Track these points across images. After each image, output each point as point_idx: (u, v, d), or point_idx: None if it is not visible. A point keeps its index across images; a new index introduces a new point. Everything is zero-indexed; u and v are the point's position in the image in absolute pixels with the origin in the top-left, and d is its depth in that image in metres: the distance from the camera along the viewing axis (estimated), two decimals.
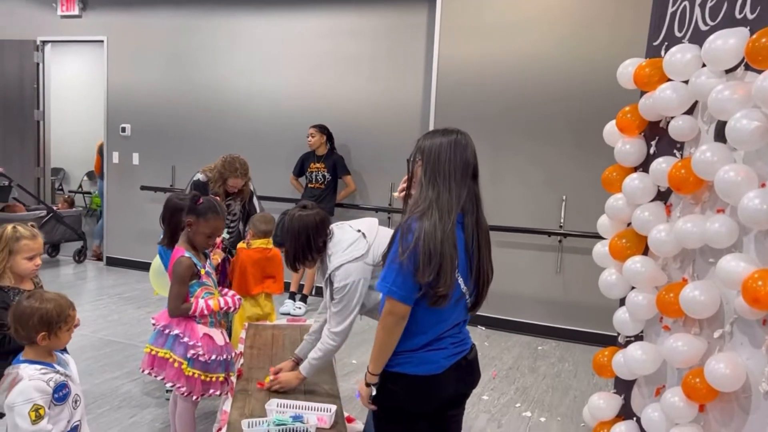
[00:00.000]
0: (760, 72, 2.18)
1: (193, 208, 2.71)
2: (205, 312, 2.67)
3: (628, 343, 3.06)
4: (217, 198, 4.00)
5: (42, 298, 2.06)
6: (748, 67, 2.35)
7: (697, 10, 2.77)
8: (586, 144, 5.11)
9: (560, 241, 5.26)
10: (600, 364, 3.24)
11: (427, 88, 5.67)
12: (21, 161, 7.33)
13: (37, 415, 1.92)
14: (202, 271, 2.74)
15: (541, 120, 5.31)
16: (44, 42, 7.23)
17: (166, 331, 2.73)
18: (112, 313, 5.42)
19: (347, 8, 6.00)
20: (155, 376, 2.75)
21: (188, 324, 2.72)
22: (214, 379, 2.71)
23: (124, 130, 7.00)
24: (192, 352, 2.66)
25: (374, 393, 1.93)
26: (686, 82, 2.69)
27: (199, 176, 4.24)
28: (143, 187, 6.86)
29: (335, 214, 5.89)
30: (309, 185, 5.88)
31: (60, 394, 2.00)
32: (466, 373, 1.99)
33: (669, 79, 2.79)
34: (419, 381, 1.89)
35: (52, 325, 2.02)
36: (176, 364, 2.67)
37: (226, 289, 2.91)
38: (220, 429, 2.26)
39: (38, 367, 2.01)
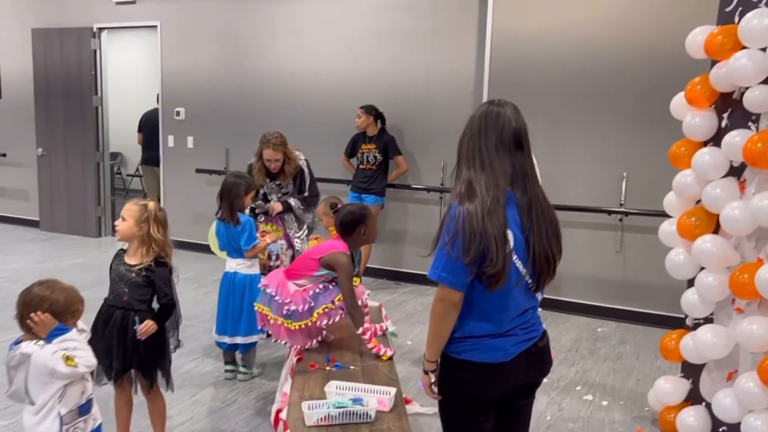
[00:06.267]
0: None
1: (355, 219, 2.88)
2: (370, 341, 2.79)
3: (697, 326, 2.94)
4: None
5: (54, 288, 2.10)
6: None
7: None
8: (649, 118, 4.90)
9: (621, 220, 5.09)
10: (667, 347, 3.13)
11: (480, 64, 5.53)
12: (82, 146, 7.53)
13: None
14: None
15: (601, 93, 5.11)
16: (100, 29, 7.37)
17: (266, 290, 2.93)
18: None
19: None
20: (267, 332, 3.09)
21: (281, 283, 2.92)
22: (323, 311, 2.83)
23: (178, 114, 7.11)
24: (286, 308, 2.82)
25: (433, 380, 1.89)
26: (764, 49, 2.53)
27: (252, 160, 4.32)
28: (198, 170, 6.97)
29: (386, 194, 5.86)
30: (360, 166, 5.85)
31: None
32: (537, 360, 1.91)
33: (744, 47, 2.63)
34: (487, 368, 1.82)
35: (59, 315, 2.07)
36: (272, 321, 2.88)
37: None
38: (280, 410, 2.27)
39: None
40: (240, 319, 3.68)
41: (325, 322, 2.82)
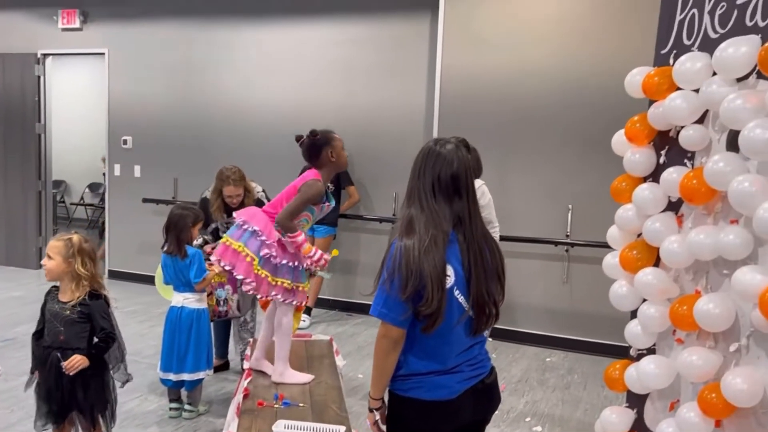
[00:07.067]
0: None
1: (320, 141, 2.90)
2: (301, 247, 2.75)
3: (640, 356, 3.00)
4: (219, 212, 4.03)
5: None
6: (760, 75, 2.31)
7: (707, 18, 2.73)
8: (592, 153, 5.06)
9: (567, 251, 5.20)
10: (611, 377, 3.18)
11: (431, 98, 5.63)
12: (23, 174, 7.30)
13: None
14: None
15: (546, 129, 5.26)
16: (45, 55, 7.21)
17: (245, 226, 2.78)
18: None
19: (349, 18, 5.98)
20: (225, 267, 2.79)
21: (268, 225, 2.80)
22: (279, 283, 2.78)
23: (125, 142, 6.97)
24: (266, 251, 2.73)
25: (378, 417, 1.87)
26: (696, 90, 2.65)
27: (206, 193, 4.25)
28: (145, 200, 6.82)
29: (338, 225, 5.84)
30: None
31: None
32: (484, 397, 1.91)
33: (678, 88, 2.75)
34: (432, 407, 1.81)
35: None
36: (248, 259, 2.73)
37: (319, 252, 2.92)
38: None
39: None
40: (186, 356, 3.58)
41: (278, 296, 2.78)
